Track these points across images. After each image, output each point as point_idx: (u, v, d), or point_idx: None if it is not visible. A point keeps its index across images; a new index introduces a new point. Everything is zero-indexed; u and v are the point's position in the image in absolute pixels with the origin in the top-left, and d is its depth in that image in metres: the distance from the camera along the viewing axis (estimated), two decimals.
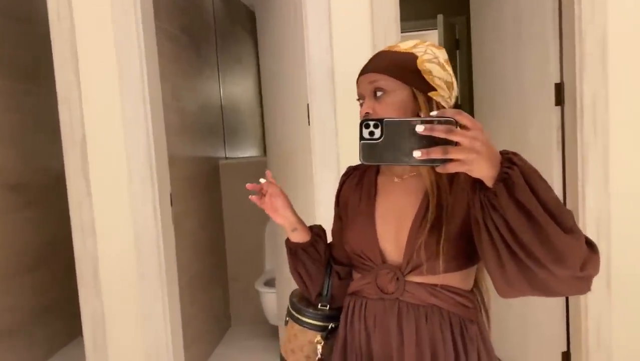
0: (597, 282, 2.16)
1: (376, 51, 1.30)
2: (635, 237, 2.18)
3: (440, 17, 4.18)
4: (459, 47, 4.37)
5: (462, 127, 0.79)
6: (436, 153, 0.78)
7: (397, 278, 1.06)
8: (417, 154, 0.79)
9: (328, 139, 2.12)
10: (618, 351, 2.22)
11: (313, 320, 1.23)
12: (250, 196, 1.21)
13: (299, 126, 2.31)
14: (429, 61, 1.06)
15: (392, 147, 0.82)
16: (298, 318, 1.24)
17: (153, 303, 2.24)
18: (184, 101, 3.02)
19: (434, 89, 1.05)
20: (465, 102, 4.20)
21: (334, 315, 1.23)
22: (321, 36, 2.10)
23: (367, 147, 0.84)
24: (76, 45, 2.16)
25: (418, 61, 1.05)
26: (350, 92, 1.27)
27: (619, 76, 2.12)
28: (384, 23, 2.09)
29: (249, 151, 4.19)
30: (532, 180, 0.84)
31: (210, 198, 3.46)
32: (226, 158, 3.75)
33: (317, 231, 1.25)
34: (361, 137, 0.84)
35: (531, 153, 0.83)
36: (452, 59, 4.38)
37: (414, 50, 1.07)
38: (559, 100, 2.28)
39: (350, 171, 1.26)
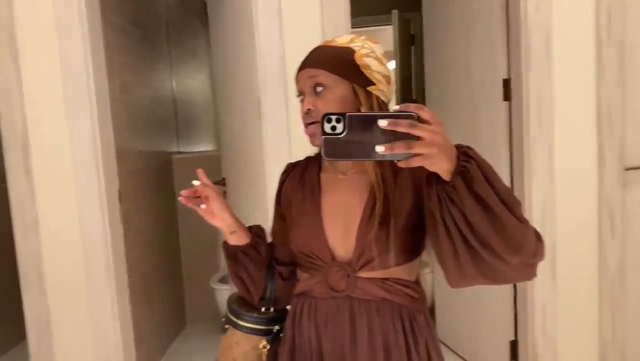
0: (542, 272, 2.23)
1: None
2: (579, 228, 2.26)
3: (395, 13, 4.21)
4: (414, 43, 4.41)
5: (423, 121, 0.79)
6: (399, 148, 0.78)
7: (348, 275, 1.06)
8: (380, 149, 0.78)
9: (279, 133, 2.10)
10: (563, 338, 2.30)
11: (257, 324, 1.19)
12: (180, 198, 1.13)
13: (251, 120, 2.28)
14: (367, 55, 1.06)
15: (355, 143, 0.81)
16: (240, 324, 1.19)
17: (101, 302, 2.18)
18: (133, 95, 2.94)
19: (373, 84, 1.05)
20: (420, 97, 4.25)
21: (278, 317, 1.20)
22: (272, 29, 2.08)
23: (330, 143, 0.82)
24: (16, 35, 2.07)
25: (356, 55, 1.05)
26: None
27: (563, 72, 2.18)
28: (334, 16, 2.08)
29: (204, 145, 4.13)
30: (488, 173, 0.85)
31: (162, 194, 3.39)
32: (179, 153, 3.68)
33: (256, 232, 1.21)
34: (323, 132, 0.81)
35: (480, 147, 0.85)
36: (407, 54, 4.45)
37: (351, 45, 1.07)
38: (507, 95, 2.33)
39: (290, 169, 1.22)
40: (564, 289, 2.27)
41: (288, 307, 1.20)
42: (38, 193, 2.14)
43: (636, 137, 2.26)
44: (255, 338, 1.18)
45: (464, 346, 2.84)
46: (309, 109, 1.05)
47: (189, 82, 3.95)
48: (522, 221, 0.87)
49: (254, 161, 2.28)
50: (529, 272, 0.93)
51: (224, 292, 3.09)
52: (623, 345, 2.31)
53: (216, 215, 1.14)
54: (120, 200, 2.30)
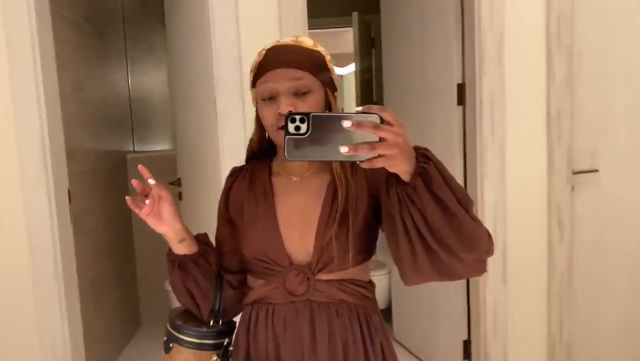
0: (493, 274, 2.28)
1: None
2: (529, 230, 2.32)
3: (355, 15, 4.23)
4: (374, 46, 4.44)
5: (386, 123, 0.80)
6: (363, 149, 0.79)
7: (308, 278, 1.05)
8: (344, 149, 0.78)
9: (236, 133, 2.08)
10: (513, 338, 2.36)
11: (206, 339, 1.12)
12: (127, 197, 1.03)
13: (207, 120, 2.25)
14: (330, 60, 1.07)
15: (318, 143, 0.80)
16: (188, 341, 1.11)
17: (49, 304, 2.11)
18: (87, 92, 2.87)
19: (336, 89, 1.07)
20: (379, 100, 4.29)
21: (227, 330, 1.15)
22: (228, 29, 2.06)
23: (293, 143, 0.81)
24: None
25: (327, 60, 1.06)
26: None
27: (514, 78, 2.24)
28: (291, 16, 2.08)
29: (160, 145, 4.05)
30: (445, 174, 0.88)
31: (116, 194, 3.31)
32: (134, 152, 3.60)
33: (204, 240, 1.16)
34: (287, 132, 0.81)
35: (435, 150, 0.87)
36: (368, 57, 4.47)
37: (318, 49, 1.06)
38: (461, 100, 2.38)
39: (237, 173, 1.18)
40: (515, 290, 2.33)
41: (235, 318, 1.17)
42: None
43: (584, 142, 2.34)
44: (204, 353, 1.11)
45: (419, 346, 2.88)
46: (289, 112, 1.02)
47: (146, 80, 3.87)
48: (476, 220, 0.91)
49: (210, 161, 2.25)
50: (481, 268, 0.96)
51: None
52: (570, 344, 2.39)
53: (164, 220, 1.06)
54: (70, 200, 2.23)
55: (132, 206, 1.04)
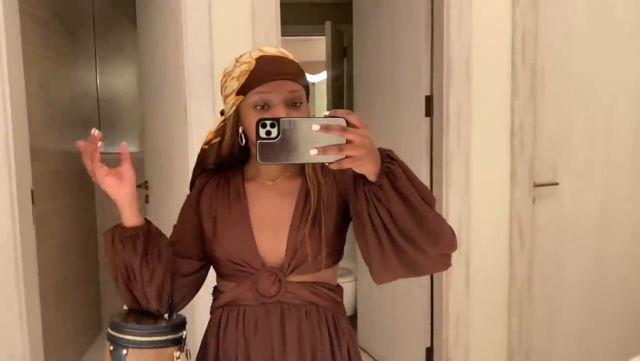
0: (456, 282, 2.33)
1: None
2: (491, 240, 2.39)
3: (328, 24, 4.26)
4: (346, 55, 4.49)
5: (352, 126, 0.84)
6: (332, 151, 0.83)
7: (280, 280, 1.07)
8: (314, 152, 0.83)
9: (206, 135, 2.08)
10: (474, 345, 2.41)
11: (166, 334, 1.05)
12: (80, 143, 0.99)
13: (176, 125, 2.24)
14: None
15: (289, 147, 0.84)
16: (148, 341, 1.03)
17: (8, 309, 2.06)
18: (54, 91, 2.82)
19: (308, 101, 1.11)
20: (350, 109, 4.33)
21: (181, 322, 1.10)
22: (200, 34, 2.06)
23: (264, 147, 0.84)
24: None
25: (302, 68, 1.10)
26: None
27: (480, 91, 2.30)
28: (264, 23, 2.09)
29: (129, 147, 3.99)
30: (409, 172, 0.93)
31: (82, 195, 3.26)
32: (102, 153, 3.54)
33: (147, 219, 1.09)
34: (257, 137, 0.84)
35: (403, 159, 0.93)
36: (340, 66, 4.51)
37: (294, 60, 1.10)
38: (429, 111, 2.43)
39: (207, 177, 1.17)
40: (477, 298, 2.39)
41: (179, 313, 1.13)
42: None
43: (545, 156, 2.42)
44: (166, 350, 1.05)
45: (382, 352, 2.91)
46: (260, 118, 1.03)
47: (115, 80, 3.82)
48: (439, 216, 0.97)
49: (179, 165, 2.24)
50: (445, 262, 1.01)
51: None
52: (528, 350, 2.46)
53: (126, 181, 1.02)
54: (34, 201, 2.18)
55: (88, 162, 1.01)
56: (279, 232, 1.08)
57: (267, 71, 1.03)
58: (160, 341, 1.05)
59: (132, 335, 1.03)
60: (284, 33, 2.18)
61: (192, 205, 1.16)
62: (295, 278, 1.08)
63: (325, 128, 0.82)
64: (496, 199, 2.36)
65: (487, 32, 2.28)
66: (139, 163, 3.07)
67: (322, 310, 1.10)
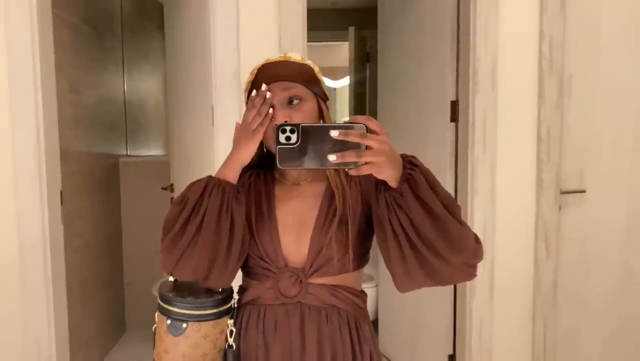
0: (480, 289, 2.31)
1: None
2: (516, 248, 2.36)
3: (351, 30, 4.29)
4: (369, 60, 4.50)
5: (372, 132, 0.86)
6: (351, 157, 0.85)
7: (301, 281, 1.07)
8: (332, 158, 0.84)
9: (231, 141, 2.10)
10: (498, 353, 2.38)
11: (223, 305, 1.07)
12: (257, 97, 1.01)
13: (203, 128, 2.27)
14: (319, 72, 1.13)
15: (308, 152, 0.86)
16: (207, 314, 1.05)
17: (36, 305, 2.10)
18: (82, 94, 2.87)
19: (327, 98, 1.12)
20: (373, 114, 4.33)
21: (231, 292, 1.11)
22: (228, 38, 2.09)
23: (284, 152, 0.87)
24: None
25: (315, 72, 1.12)
26: None
27: (507, 98, 2.29)
28: (291, 30, 2.11)
29: (154, 150, 4.06)
30: (431, 180, 0.93)
31: (107, 197, 3.31)
32: (127, 156, 3.60)
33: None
34: (277, 142, 0.87)
35: (427, 166, 0.94)
36: (362, 71, 4.53)
37: (306, 62, 1.13)
38: (454, 117, 2.42)
39: (243, 175, 1.16)
40: (501, 306, 2.36)
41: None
42: None
43: (572, 163, 2.39)
44: (221, 321, 1.07)
45: (403, 359, 2.90)
46: (285, 121, 1.01)
47: (141, 85, 3.89)
48: (462, 224, 0.96)
49: (205, 168, 2.27)
50: (470, 272, 1.00)
51: None
52: (553, 359, 2.42)
53: (257, 139, 1.02)
54: (62, 201, 2.23)
55: (255, 111, 1.01)
56: (302, 233, 1.09)
57: (263, 77, 1.08)
58: (218, 313, 1.07)
59: (190, 309, 1.05)
60: (308, 39, 2.19)
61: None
62: (316, 280, 1.08)
63: (345, 134, 0.84)
64: (522, 207, 2.34)
65: (514, 39, 2.27)
66: (163, 166, 3.12)
67: (344, 313, 1.10)
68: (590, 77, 2.37)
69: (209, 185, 1.01)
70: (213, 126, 2.13)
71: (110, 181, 3.38)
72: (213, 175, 1.04)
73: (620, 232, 2.47)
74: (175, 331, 1.05)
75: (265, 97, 1.02)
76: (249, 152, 1.02)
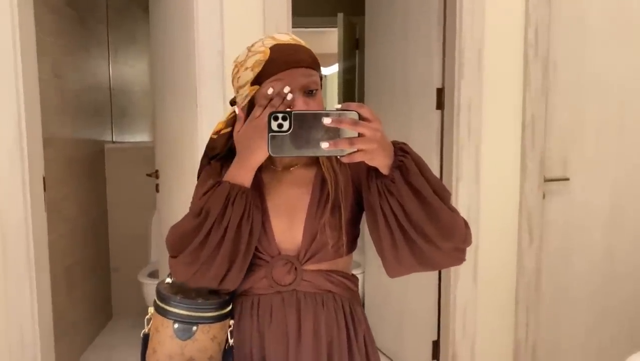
0: (464, 276, 2.33)
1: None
2: (500, 234, 2.38)
3: (340, 16, 4.25)
4: (358, 47, 4.48)
5: (364, 119, 0.85)
6: (343, 144, 0.84)
7: (295, 268, 1.06)
8: (325, 145, 0.84)
9: (215, 125, 2.09)
10: (481, 339, 2.41)
11: (227, 306, 1.06)
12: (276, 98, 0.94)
13: (186, 113, 2.25)
14: None
15: (300, 139, 0.85)
16: (213, 316, 1.03)
17: (19, 293, 2.09)
18: (66, 79, 2.84)
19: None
20: (361, 101, 4.32)
21: (233, 292, 1.09)
22: (212, 21, 2.07)
23: (276, 140, 0.86)
24: None
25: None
26: None
27: (492, 84, 2.29)
28: (276, 12, 2.09)
29: (140, 136, 4.02)
30: (422, 166, 0.93)
31: (93, 183, 3.28)
32: (113, 142, 3.57)
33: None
34: (270, 130, 0.86)
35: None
36: (352, 58, 4.50)
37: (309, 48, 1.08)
38: (440, 104, 2.42)
39: (220, 160, 1.12)
40: (484, 293, 2.38)
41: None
42: None
43: (556, 150, 2.40)
44: (226, 322, 1.06)
45: (388, 345, 2.92)
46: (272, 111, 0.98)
47: (127, 69, 3.84)
48: (453, 210, 0.97)
49: (188, 154, 2.25)
50: (460, 257, 1.01)
51: (152, 287, 3.02)
52: (535, 346, 2.45)
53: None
54: (45, 188, 2.21)
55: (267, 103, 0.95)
56: (294, 220, 1.07)
57: (282, 59, 1.00)
58: (224, 315, 1.05)
59: (198, 311, 1.02)
60: (296, 25, 2.17)
61: (212, 176, 1.09)
62: (311, 266, 1.07)
63: (337, 121, 0.84)
64: (506, 193, 2.35)
65: (499, 25, 2.26)
66: (149, 153, 3.10)
67: (339, 298, 1.09)
68: (575, 63, 2.38)
69: (231, 194, 0.97)
70: (197, 111, 2.11)
71: (96, 168, 3.35)
72: (225, 180, 1.00)
73: (603, 219, 2.49)
74: (183, 335, 1.01)
75: (286, 98, 0.95)
76: (264, 153, 0.94)
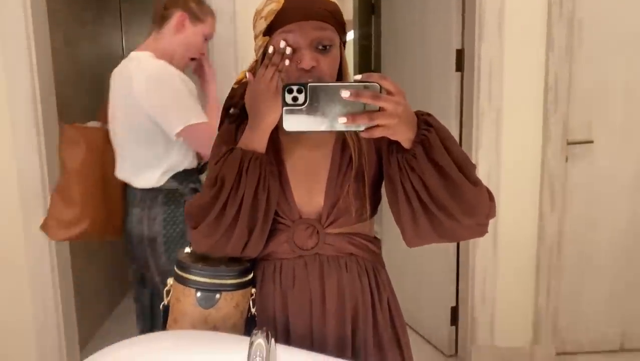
0: (484, 241, 2.30)
1: None
2: (521, 199, 2.33)
3: None
4: (374, 12, 4.37)
5: (386, 92, 0.80)
6: (362, 119, 0.79)
7: (317, 232, 1.02)
8: (342, 120, 0.79)
9: (229, 89, 2.05)
10: (500, 305, 2.39)
11: (248, 274, 1.04)
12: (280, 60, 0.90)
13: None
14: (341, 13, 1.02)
15: (317, 113, 0.80)
16: (235, 284, 1.02)
17: (40, 263, 2.12)
18: (79, 48, 2.81)
19: (345, 42, 1.02)
20: (377, 66, 4.24)
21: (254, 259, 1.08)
22: None
23: (291, 114, 0.81)
24: None
25: (341, 12, 1.00)
26: (253, 43, 1.06)
27: (513, 45, 2.21)
28: None
29: None
30: (446, 140, 0.88)
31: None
32: None
33: None
34: (284, 103, 0.80)
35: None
36: (367, 24, 4.40)
37: (334, 0, 0.99)
38: (459, 66, 2.35)
39: (238, 119, 1.06)
40: (504, 259, 2.35)
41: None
42: None
43: (580, 113, 2.32)
44: (249, 289, 1.05)
45: (406, 312, 2.89)
46: (313, 67, 0.93)
47: (140, 40, 3.79)
48: (477, 184, 0.92)
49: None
50: (481, 230, 0.98)
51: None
52: (555, 313, 2.42)
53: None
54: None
55: (274, 69, 0.90)
56: (315, 184, 1.03)
57: (294, 10, 0.94)
58: (246, 282, 1.03)
59: (220, 278, 1.01)
60: None
61: (232, 139, 1.05)
62: (333, 229, 1.03)
63: (356, 94, 0.78)
64: (527, 158, 2.29)
65: None
66: None
67: (362, 261, 1.06)
68: (602, 22, 2.28)
69: (244, 161, 0.94)
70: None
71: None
72: (238, 146, 0.96)
73: (628, 184, 2.42)
74: (206, 303, 1.00)
75: (285, 53, 0.91)
76: (275, 115, 0.91)
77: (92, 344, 2.74)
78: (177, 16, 1.69)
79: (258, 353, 0.70)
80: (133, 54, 1.71)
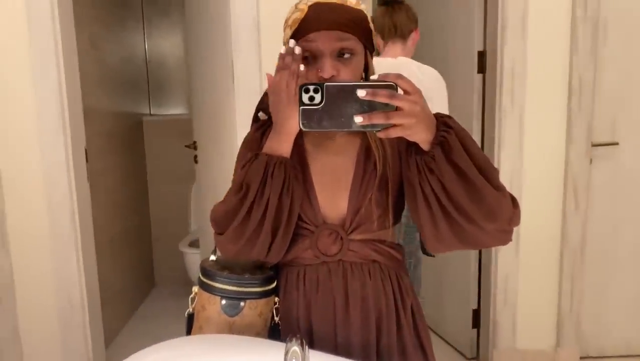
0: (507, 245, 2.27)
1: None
2: (544, 202, 2.31)
3: None
4: None
5: (403, 91, 0.79)
6: (378, 119, 0.78)
7: (341, 238, 1.02)
8: (358, 119, 0.78)
9: (252, 96, 2.07)
10: (522, 308, 2.37)
11: (272, 282, 1.04)
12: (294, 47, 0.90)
13: (223, 84, 2.24)
14: (370, 20, 1.00)
15: (333, 113, 0.80)
16: (260, 292, 1.03)
17: (66, 262, 2.15)
18: (103, 51, 2.86)
19: (374, 49, 1.02)
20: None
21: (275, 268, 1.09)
22: None
23: (307, 113, 0.81)
24: None
25: (368, 19, 0.99)
26: (277, 49, 1.04)
27: (537, 46, 2.19)
28: None
29: (176, 109, 4.04)
30: (467, 142, 0.86)
31: (132, 155, 3.33)
32: (151, 115, 3.61)
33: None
34: (301, 103, 0.80)
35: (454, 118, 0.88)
36: None
37: (360, 7, 0.99)
38: (482, 68, 2.34)
39: (264, 126, 1.08)
40: (526, 260, 2.33)
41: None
42: (1, 148, 2.08)
43: (604, 114, 2.30)
44: (271, 298, 1.05)
45: (428, 315, 2.89)
46: (333, 76, 0.93)
47: (162, 42, 3.85)
48: (499, 189, 0.89)
49: (226, 124, 2.25)
50: (505, 238, 0.95)
51: (193, 256, 3.08)
52: (579, 316, 2.39)
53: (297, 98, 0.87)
54: (87, 159, 2.25)
55: (288, 72, 0.91)
56: (339, 190, 1.03)
57: (316, 20, 0.94)
58: (269, 291, 1.04)
59: (244, 286, 1.02)
60: None
61: (255, 147, 1.06)
62: (356, 236, 1.03)
63: (373, 94, 0.77)
64: (550, 159, 2.27)
65: None
66: (187, 125, 3.12)
67: (385, 268, 1.05)
68: (627, 22, 2.26)
69: (269, 166, 0.94)
70: (233, 81, 2.10)
71: (135, 140, 3.40)
72: (263, 151, 0.97)
73: None
74: (231, 310, 1.01)
75: (294, 53, 0.91)
76: (295, 119, 0.89)
77: (116, 342, 2.79)
78: None
79: (294, 360, 0.70)
80: None
